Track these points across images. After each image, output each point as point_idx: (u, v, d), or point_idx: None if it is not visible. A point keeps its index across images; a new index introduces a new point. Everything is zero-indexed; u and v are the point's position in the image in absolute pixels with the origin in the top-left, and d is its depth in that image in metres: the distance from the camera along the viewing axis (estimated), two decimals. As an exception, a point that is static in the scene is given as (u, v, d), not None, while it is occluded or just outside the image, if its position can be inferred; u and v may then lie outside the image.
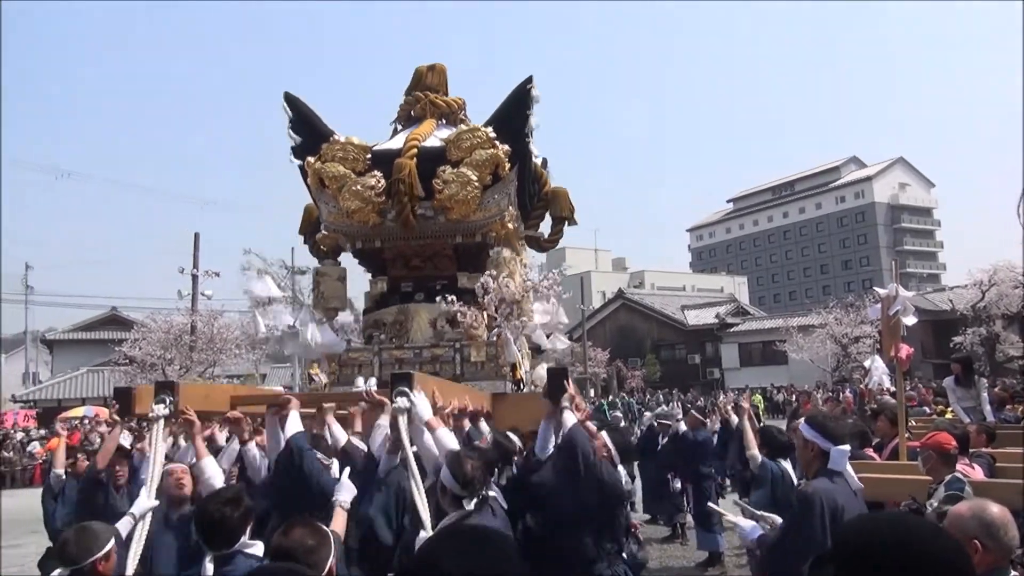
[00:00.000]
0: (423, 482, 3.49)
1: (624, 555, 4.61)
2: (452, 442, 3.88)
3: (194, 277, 27.44)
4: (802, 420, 3.64)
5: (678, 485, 9.04)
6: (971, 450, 5.02)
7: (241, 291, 7.59)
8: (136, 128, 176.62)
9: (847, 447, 3.42)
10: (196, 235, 28.11)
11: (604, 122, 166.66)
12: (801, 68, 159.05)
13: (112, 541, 2.98)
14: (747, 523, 3.51)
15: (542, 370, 7.55)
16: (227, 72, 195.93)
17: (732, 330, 47.10)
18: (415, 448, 3.79)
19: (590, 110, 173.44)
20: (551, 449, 4.67)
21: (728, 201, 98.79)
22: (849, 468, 3.42)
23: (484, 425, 5.40)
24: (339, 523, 3.34)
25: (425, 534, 2.99)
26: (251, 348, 28.00)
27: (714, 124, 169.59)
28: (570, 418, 4.37)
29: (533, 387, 7.08)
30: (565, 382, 4.60)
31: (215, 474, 4.10)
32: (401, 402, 3.51)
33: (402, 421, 3.48)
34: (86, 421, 25.17)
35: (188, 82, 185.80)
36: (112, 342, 30.15)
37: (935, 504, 3.55)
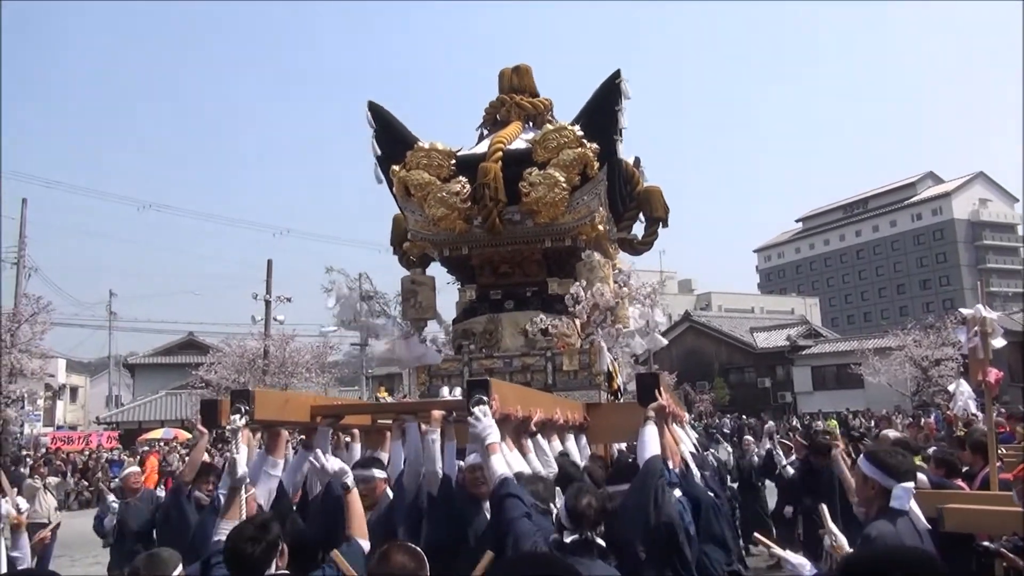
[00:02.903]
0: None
1: None
2: (515, 466, 3.57)
3: (267, 303, 28.22)
4: (862, 456, 3.48)
5: (789, 510, 8.85)
6: None
7: (324, 308, 7.58)
8: (213, 160, 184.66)
9: (911, 484, 3.23)
10: (269, 262, 28.98)
11: (666, 140, 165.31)
12: (871, 80, 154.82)
13: (180, 567, 3.06)
14: (797, 559, 3.21)
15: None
16: (307, 98, 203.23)
17: (804, 353, 45.49)
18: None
19: (653, 127, 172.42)
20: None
21: (797, 220, 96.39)
22: (915, 506, 3.22)
23: (562, 443, 4.91)
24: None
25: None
26: (320, 371, 28.54)
27: (780, 142, 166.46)
28: (652, 440, 3.96)
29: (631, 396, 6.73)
30: (657, 390, 4.23)
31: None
32: (479, 412, 3.26)
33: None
34: (163, 443, 25.95)
35: (268, 111, 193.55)
36: (189, 366, 31.15)
37: None
